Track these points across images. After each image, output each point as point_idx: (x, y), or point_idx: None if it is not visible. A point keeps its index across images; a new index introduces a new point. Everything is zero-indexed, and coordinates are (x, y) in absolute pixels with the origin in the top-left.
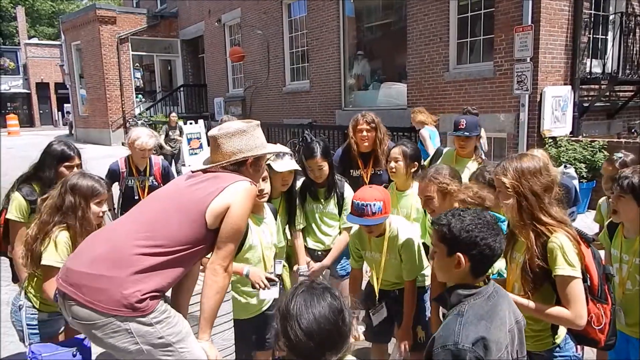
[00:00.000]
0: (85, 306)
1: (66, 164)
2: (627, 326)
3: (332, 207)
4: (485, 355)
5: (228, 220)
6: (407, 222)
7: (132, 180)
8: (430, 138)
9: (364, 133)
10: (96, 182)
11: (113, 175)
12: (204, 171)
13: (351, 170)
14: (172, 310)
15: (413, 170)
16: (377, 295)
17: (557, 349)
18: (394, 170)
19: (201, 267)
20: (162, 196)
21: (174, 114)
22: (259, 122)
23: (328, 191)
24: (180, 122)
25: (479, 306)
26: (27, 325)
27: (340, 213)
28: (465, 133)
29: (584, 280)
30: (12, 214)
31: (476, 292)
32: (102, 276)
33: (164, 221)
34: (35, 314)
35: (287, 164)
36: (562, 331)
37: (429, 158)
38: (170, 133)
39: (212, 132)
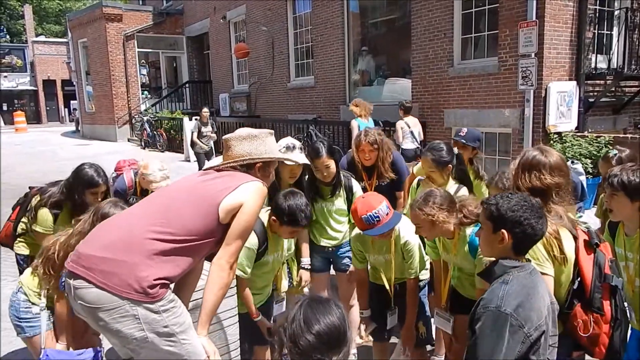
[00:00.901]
0: (97, 286)
1: (92, 190)
2: (638, 323)
3: (341, 203)
4: (525, 322)
5: (240, 217)
6: (404, 219)
7: (135, 199)
8: (360, 128)
9: (367, 154)
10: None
11: (120, 195)
12: (216, 170)
13: None
14: (178, 301)
15: (448, 173)
16: (392, 296)
17: None
18: (432, 180)
19: None
20: (175, 189)
21: (205, 110)
22: (272, 131)
23: (334, 189)
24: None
25: (523, 278)
26: (23, 318)
27: (349, 208)
28: (462, 140)
29: (572, 282)
30: (40, 227)
31: (521, 266)
32: (114, 260)
33: (177, 211)
34: (30, 308)
35: (297, 157)
36: None
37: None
38: (202, 129)
39: (226, 136)
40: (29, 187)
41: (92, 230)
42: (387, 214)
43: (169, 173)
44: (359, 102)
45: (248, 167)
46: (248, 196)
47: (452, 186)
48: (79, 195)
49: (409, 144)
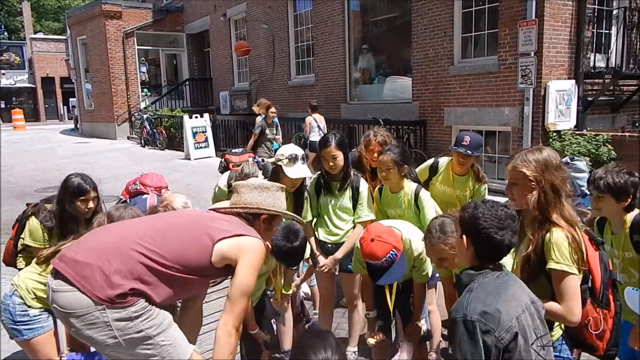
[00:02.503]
0: (74, 285)
1: (82, 198)
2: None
3: (346, 200)
4: (495, 326)
5: (240, 276)
6: (412, 227)
7: None
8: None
9: (375, 154)
10: (136, 215)
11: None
12: (222, 212)
13: None
14: (151, 306)
15: (404, 172)
16: (390, 312)
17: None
18: (387, 179)
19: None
20: (178, 215)
21: (273, 109)
22: (284, 186)
23: (342, 184)
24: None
25: (487, 283)
26: (20, 321)
27: (354, 207)
28: (468, 152)
29: (585, 282)
30: (28, 240)
31: (485, 272)
32: (92, 265)
33: (174, 235)
34: (27, 310)
35: (299, 170)
36: (556, 331)
37: (426, 165)
38: (267, 132)
39: (237, 182)
40: (27, 204)
41: (85, 234)
42: (392, 261)
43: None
44: (260, 102)
45: (254, 217)
46: (246, 255)
47: (410, 186)
48: (69, 205)
49: (315, 137)
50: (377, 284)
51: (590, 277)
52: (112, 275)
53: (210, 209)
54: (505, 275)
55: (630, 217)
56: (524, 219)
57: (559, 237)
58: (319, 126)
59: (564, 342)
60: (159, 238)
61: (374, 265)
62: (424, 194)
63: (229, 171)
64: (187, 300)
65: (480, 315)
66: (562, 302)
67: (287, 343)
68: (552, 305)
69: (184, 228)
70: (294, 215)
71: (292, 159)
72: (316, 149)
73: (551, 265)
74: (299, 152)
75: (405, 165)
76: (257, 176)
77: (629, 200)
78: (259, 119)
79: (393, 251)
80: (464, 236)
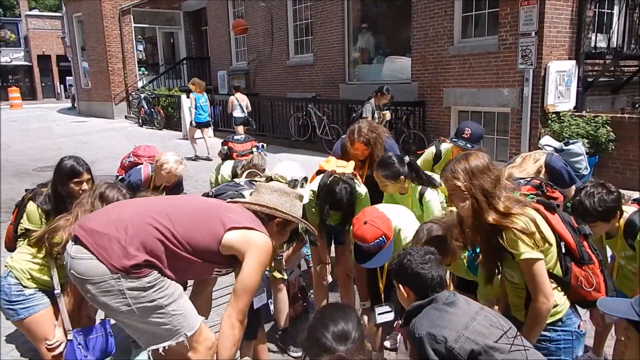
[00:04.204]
0: (92, 253)
1: (75, 180)
2: None
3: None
4: (444, 337)
5: (245, 271)
6: (406, 215)
7: (147, 194)
8: (196, 100)
9: (360, 153)
10: (119, 193)
11: (133, 188)
12: (239, 204)
13: None
14: (164, 277)
15: (403, 181)
16: (382, 294)
17: (559, 323)
18: (387, 190)
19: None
20: (193, 198)
21: (387, 95)
22: (302, 195)
23: (343, 221)
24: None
25: (431, 308)
26: (16, 301)
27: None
28: (468, 145)
29: (558, 246)
30: (27, 223)
31: (428, 300)
32: (110, 235)
33: (189, 216)
34: (22, 290)
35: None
36: (562, 306)
37: (430, 153)
38: (376, 115)
39: (260, 182)
40: (25, 190)
41: (102, 209)
42: (380, 247)
43: (181, 160)
44: (194, 81)
45: (268, 218)
46: (254, 250)
47: (416, 188)
48: (63, 186)
49: (238, 113)
50: (372, 275)
51: (563, 242)
52: (128, 246)
53: (228, 201)
54: (450, 298)
55: (623, 221)
56: (465, 225)
57: (509, 234)
58: (240, 105)
59: (572, 316)
60: (173, 216)
61: (361, 247)
62: (430, 195)
63: (232, 160)
64: (197, 286)
65: (427, 330)
66: (536, 290)
67: (283, 322)
68: (532, 314)
69: (199, 211)
70: (308, 224)
71: (293, 185)
72: (239, 124)
73: (517, 259)
74: (299, 175)
75: (402, 177)
76: (264, 168)
77: (618, 215)
78: (192, 95)
79: (382, 238)
80: (401, 285)
